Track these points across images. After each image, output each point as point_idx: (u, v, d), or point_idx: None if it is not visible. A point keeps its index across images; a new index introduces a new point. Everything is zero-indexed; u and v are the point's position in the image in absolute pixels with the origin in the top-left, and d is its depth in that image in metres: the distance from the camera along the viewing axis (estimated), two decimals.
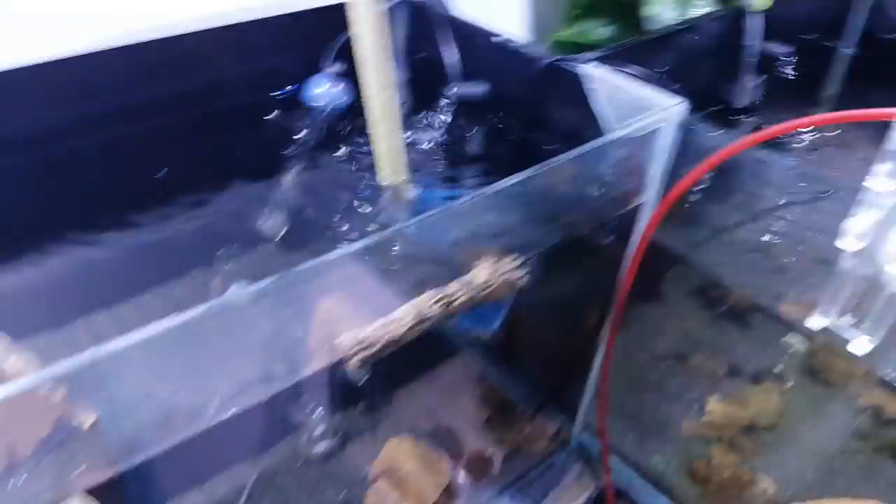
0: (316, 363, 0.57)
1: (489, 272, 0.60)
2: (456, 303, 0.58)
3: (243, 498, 0.74)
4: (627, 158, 0.65)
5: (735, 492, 0.81)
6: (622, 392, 0.93)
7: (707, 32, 0.87)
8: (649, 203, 0.69)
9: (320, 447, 0.80)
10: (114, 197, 0.77)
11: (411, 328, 0.56)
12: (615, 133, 0.61)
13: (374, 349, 0.55)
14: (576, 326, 0.83)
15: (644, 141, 0.64)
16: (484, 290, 0.60)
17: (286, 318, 0.50)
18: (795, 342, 0.84)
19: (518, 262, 0.61)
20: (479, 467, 0.83)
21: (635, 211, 0.70)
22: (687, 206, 0.72)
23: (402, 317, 0.57)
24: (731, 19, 0.91)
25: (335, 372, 0.82)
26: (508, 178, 0.55)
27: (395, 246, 0.56)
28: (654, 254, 0.97)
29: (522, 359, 0.89)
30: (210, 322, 0.42)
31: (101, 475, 0.56)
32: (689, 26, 0.84)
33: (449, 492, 0.81)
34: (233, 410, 0.52)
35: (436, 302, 0.58)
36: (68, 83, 0.70)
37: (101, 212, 0.77)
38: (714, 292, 0.96)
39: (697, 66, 0.88)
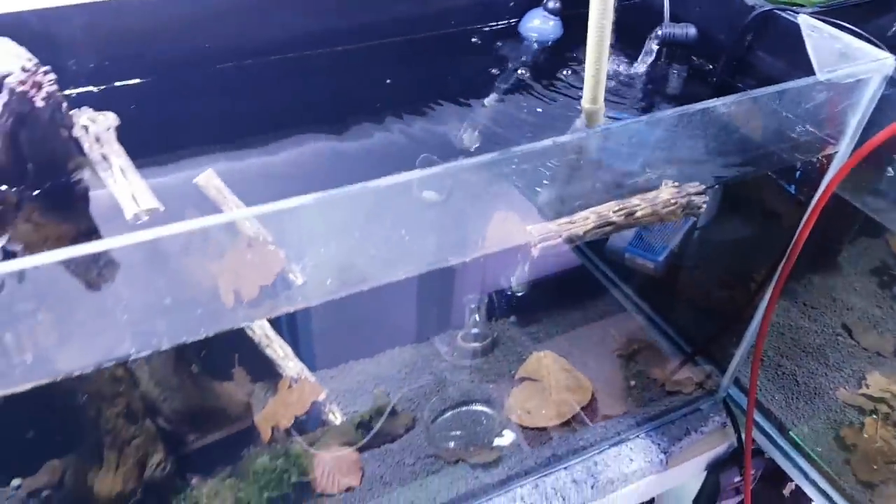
0: (495, 245, 0.63)
1: (673, 192, 0.64)
2: (637, 213, 0.63)
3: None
4: (829, 105, 0.66)
5: (881, 463, 0.80)
6: (779, 354, 0.94)
7: None
8: (842, 154, 0.69)
9: (475, 344, 0.89)
10: (340, 101, 0.87)
11: (592, 229, 0.62)
12: (819, 76, 0.62)
13: (557, 240, 0.62)
14: (741, 278, 0.85)
15: (848, 89, 0.65)
16: (665, 208, 0.64)
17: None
18: None
19: (701, 188, 0.65)
20: (619, 396, 0.88)
21: (824, 165, 0.71)
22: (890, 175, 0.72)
23: (586, 217, 0.62)
24: None
25: (500, 288, 0.91)
26: (703, 102, 0.59)
27: (580, 155, 0.61)
28: (839, 222, 0.96)
29: (680, 303, 0.92)
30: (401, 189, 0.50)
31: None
32: None
33: (588, 411, 0.86)
34: (408, 273, 0.59)
35: (617, 210, 0.63)
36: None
37: (326, 113, 0.88)
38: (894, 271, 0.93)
39: None
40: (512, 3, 0.90)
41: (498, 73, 0.88)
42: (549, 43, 0.89)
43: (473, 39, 0.91)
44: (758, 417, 0.91)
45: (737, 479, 0.91)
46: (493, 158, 0.54)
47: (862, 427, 0.85)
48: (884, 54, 0.64)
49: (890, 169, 0.74)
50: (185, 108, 0.82)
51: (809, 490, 0.86)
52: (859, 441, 0.83)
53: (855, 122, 0.67)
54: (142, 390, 0.62)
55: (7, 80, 0.52)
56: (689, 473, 0.93)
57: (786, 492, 1.48)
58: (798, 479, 0.87)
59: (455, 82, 0.91)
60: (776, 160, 0.68)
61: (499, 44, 0.90)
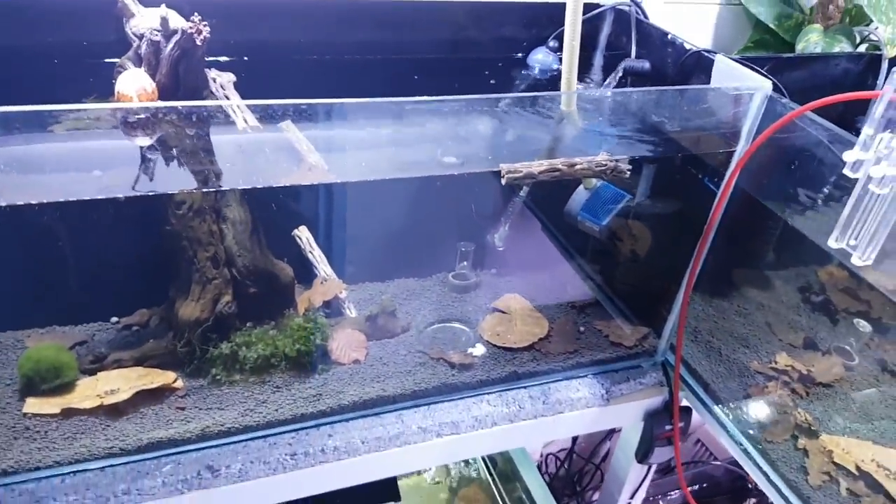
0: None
1: (605, 157, 0.92)
2: (577, 167, 0.91)
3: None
4: (722, 110, 0.93)
5: (779, 416, 1.01)
6: (711, 335, 1.16)
7: (829, 64, 1.12)
8: (738, 153, 0.96)
9: (462, 282, 1.16)
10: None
11: (544, 171, 0.90)
12: (711, 85, 0.91)
13: (519, 175, 0.89)
14: (669, 255, 1.10)
15: (735, 100, 0.92)
16: (598, 167, 0.92)
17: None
18: (862, 327, 1.04)
19: (626, 158, 0.92)
20: (571, 338, 1.12)
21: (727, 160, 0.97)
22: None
23: (541, 163, 0.90)
24: (865, 60, 1.14)
25: (485, 243, 1.18)
26: (633, 89, 0.87)
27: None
28: (762, 226, 1.20)
29: (619, 270, 1.17)
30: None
31: None
32: (815, 56, 1.10)
33: (544, 342, 1.10)
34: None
35: (564, 162, 0.91)
36: (370, 18, 1.15)
37: None
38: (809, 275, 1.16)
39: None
40: (524, 43, 1.22)
41: (510, 87, 1.19)
42: (549, 73, 1.20)
43: (494, 63, 1.23)
44: (687, 378, 1.13)
45: (667, 427, 1.12)
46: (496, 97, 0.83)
47: (766, 387, 1.06)
48: (764, 80, 0.92)
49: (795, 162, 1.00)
50: (273, 83, 1.13)
51: (722, 436, 1.07)
52: (761, 396, 1.05)
53: (746, 128, 0.94)
54: (226, 244, 0.91)
55: (181, 25, 0.85)
56: (628, 416, 1.14)
57: None
58: (711, 425, 1.08)
59: (478, 90, 1.21)
60: (683, 147, 0.96)
61: (511, 70, 1.22)
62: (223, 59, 1.10)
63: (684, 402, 1.15)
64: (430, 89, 1.21)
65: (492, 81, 1.19)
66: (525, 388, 1.07)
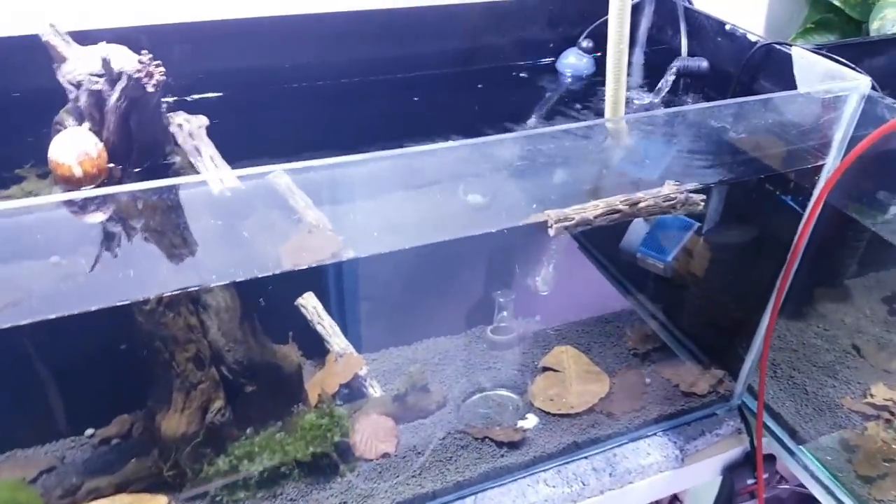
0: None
1: (673, 188, 0.74)
2: (640, 204, 0.73)
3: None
4: (812, 118, 0.75)
5: (880, 461, 0.84)
6: (792, 367, 1.00)
7: None
8: (829, 167, 0.78)
9: (502, 337, 0.98)
10: (397, 123, 0.99)
11: (601, 214, 0.72)
12: (800, 90, 0.72)
13: (571, 223, 0.71)
14: (746, 285, 0.93)
15: (828, 105, 0.74)
16: (666, 202, 0.74)
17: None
18: None
19: (699, 187, 0.74)
20: (636, 393, 0.95)
21: (815, 178, 0.80)
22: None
23: (596, 205, 0.72)
24: None
25: (527, 287, 1.00)
26: (704, 103, 0.69)
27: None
28: (848, 250, 1.03)
29: (688, 309, 1.00)
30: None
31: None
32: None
33: (606, 404, 0.93)
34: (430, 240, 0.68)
35: (624, 201, 0.73)
36: (367, 32, 0.95)
37: (383, 134, 0.99)
38: None
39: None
40: (551, 45, 1.03)
41: (541, 100, 1.00)
42: (583, 78, 1.01)
43: (517, 73, 1.04)
44: (770, 423, 0.96)
45: (750, 481, 0.96)
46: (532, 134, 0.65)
47: (864, 431, 0.90)
48: (860, 76, 0.74)
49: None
50: (257, 121, 0.95)
51: (816, 490, 0.90)
52: (862, 442, 0.88)
53: (839, 136, 0.76)
54: (210, 338, 0.72)
55: (126, 68, 0.66)
56: (705, 474, 0.98)
57: None
58: (805, 479, 0.91)
59: (501, 108, 1.02)
60: (766, 166, 0.78)
61: (538, 78, 1.03)
62: (193, 97, 0.91)
63: (767, 450, 0.98)
64: (444, 111, 1.03)
65: (513, 98, 1.00)
66: (587, 457, 0.90)
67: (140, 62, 0.67)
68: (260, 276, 0.60)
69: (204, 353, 0.72)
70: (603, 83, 1.04)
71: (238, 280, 0.60)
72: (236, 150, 0.91)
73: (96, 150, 0.71)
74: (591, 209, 0.72)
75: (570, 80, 1.02)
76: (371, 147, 0.96)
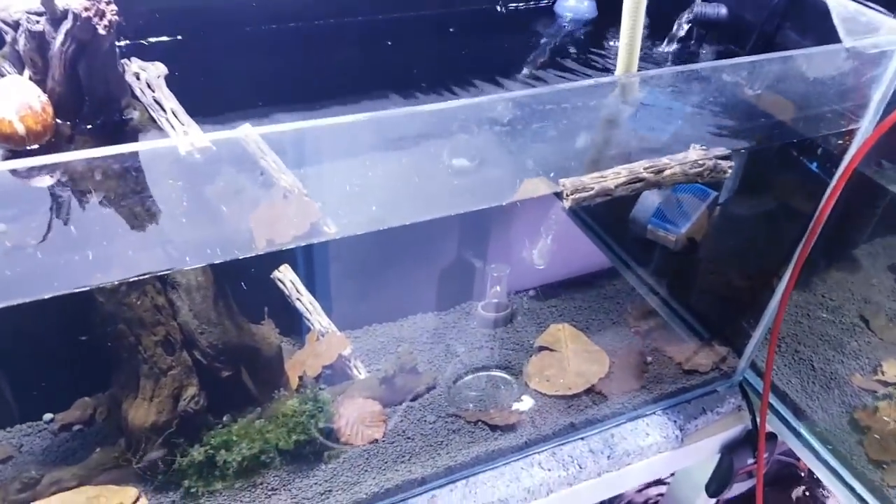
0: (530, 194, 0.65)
1: (701, 154, 0.66)
2: (665, 172, 0.66)
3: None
4: (852, 77, 0.68)
5: (894, 443, 0.81)
6: (797, 341, 0.95)
7: None
8: (864, 130, 0.71)
9: (496, 314, 0.91)
10: (373, 72, 0.90)
11: (623, 183, 0.64)
12: (845, 43, 0.65)
13: (590, 193, 0.64)
14: (760, 258, 0.87)
15: (872, 60, 0.67)
16: (692, 169, 0.66)
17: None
18: None
19: (727, 153, 0.67)
20: (636, 372, 0.89)
21: (846, 142, 0.73)
22: None
23: (617, 173, 0.65)
24: None
25: (520, 258, 0.93)
26: (727, 60, 0.61)
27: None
28: (858, 218, 0.98)
29: (697, 282, 0.94)
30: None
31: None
32: None
33: (605, 383, 0.88)
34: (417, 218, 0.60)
35: (648, 167, 0.65)
36: None
37: (358, 83, 0.90)
38: None
39: None
40: None
41: (533, 49, 0.91)
42: (584, 22, 0.92)
43: (509, 16, 0.94)
44: (773, 401, 0.92)
45: (750, 461, 0.92)
46: (536, 93, 0.56)
47: (876, 410, 0.86)
48: None
49: None
50: (221, 69, 0.84)
51: (821, 472, 0.86)
52: (873, 422, 0.84)
53: (878, 96, 0.69)
54: (180, 321, 0.64)
55: (72, 6, 0.55)
56: (704, 453, 0.93)
57: (794, 495, 1.48)
58: (810, 461, 0.88)
59: (490, 57, 0.93)
60: (797, 130, 0.71)
61: (533, 21, 0.93)
62: (151, 40, 0.80)
63: (768, 429, 0.94)
64: (425, 59, 0.93)
65: (504, 45, 0.91)
66: (583, 439, 0.85)
67: None
68: (241, 256, 0.52)
69: (174, 337, 0.64)
70: (606, 29, 0.96)
71: (215, 262, 0.52)
72: (197, 104, 0.82)
73: (40, 103, 0.61)
74: (612, 177, 0.65)
75: (569, 24, 0.93)
76: (341, 100, 0.87)
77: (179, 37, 0.80)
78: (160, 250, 0.52)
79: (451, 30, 0.93)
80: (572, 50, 0.89)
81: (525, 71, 0.88)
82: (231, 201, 0.61)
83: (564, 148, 0.67)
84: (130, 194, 0.51)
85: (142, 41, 0.79)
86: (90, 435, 0.72)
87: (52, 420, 0.73)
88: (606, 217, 0.93)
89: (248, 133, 0.80)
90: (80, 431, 0.72)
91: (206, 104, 0.83)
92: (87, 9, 0.56)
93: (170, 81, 0.72)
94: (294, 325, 0.80)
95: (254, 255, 0.55)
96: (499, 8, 0.95)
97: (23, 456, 0.72)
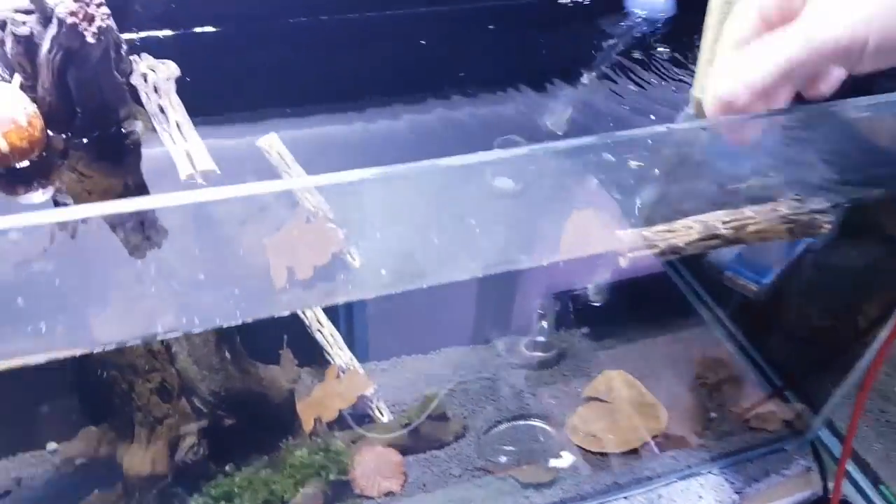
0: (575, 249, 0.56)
1: (794, 206, 0.55)
2: (749, 228, 0.55)
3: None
4: None
5: None
6: (882, 397, 0.83)
7: None
8: None
9: (539, 353, 0.82)
10: (418, 69, 0.80)
11: (696, 241, 0.54)
12: None
13: (655, 250, 0.54)
14: (852, 309, 0.75)
15: None
16: (783, 224, 0.55)
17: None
18: None
19: (826, 206, 0.56)
20: (695, 426, 0.79)
21: None
22: None
23: (689, 227, 0.54)
24: None
25: (572, 291, 0.83)
26: (832, 102, 0.49)
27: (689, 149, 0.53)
28: None
29: (777, 331, 0.82)
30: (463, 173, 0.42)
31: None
32: None
33: (660, 440, 0.78)
34: (471, 274, 0.52)
35: (727, 222, 0.54)
36: None
37: (402, 81, 0.81)
38: None
39: None
40: None
41: (598, 50, 0.80)
42: (659, 21, 0.79)
43: (572, 8, 0.82)
44: (849, 466, 0.81)
45: None
46: (584, 143, 0.46)
47: None
48: None
49: None
50: (255, 63, 0.76)
51: None
52: None
53: None
54: (179, 367, 0.57)
55: (57, 10, 0.47)
56: None
57: None
58: None
59: (550, 57, 0.82)
60: None
61: (599, 15, 0.81)
62: (164, 33, 0.72)
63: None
64: (480, 58, 0.83)
65: (563, 43, 0.79)
66: (626, 498, 0.76)
67: (76, 0, 0.48)
68: (228, 324, 0.44)
69: (171, 384, 0.57)
70: (685, 32, 0.83)
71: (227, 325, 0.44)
72: (221, 98, 0.73)
73: (26, 116, 0.53)
74: (682, 233, 0.54)
75: (641, 23, 0.81)
76: (375, 102, 0.78)
77: (210, 28, 0.72)
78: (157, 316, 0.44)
79: (506, 24, 0.82)
80: (638, 55, 0.77)
81: (584, 80, 0.77)
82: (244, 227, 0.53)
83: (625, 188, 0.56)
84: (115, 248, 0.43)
85: (158, 32, 0.71)
86: (93, 469, 0.67)
87: (55, 451, 0.68)
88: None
89: (273, 143, 0.72)
90: (83, 466, 0.67)
91: (237, 99, 0.76)
92: (73, 13, 0.48)
93: (194, 74, 0.64)
94: (316, 351, 0.73)
95: (279, 311, 0.48)
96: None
97: (21, 490, 0.67)
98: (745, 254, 0.70)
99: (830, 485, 0.80)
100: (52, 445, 0.69)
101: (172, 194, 0.37)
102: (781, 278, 0.65)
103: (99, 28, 0.49)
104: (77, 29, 0.48)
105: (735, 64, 0.37)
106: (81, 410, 0.67)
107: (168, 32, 0.76)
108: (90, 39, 0.49)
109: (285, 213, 0.50)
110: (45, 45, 0.50)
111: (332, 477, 0.65)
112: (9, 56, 0.54)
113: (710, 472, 0.79)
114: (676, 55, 0.76)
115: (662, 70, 0.76)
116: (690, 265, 0.83)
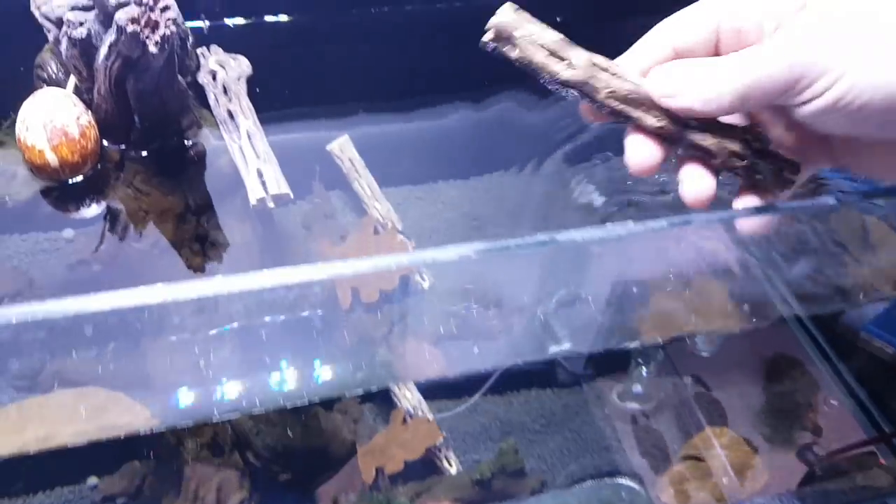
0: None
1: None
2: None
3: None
4: None
5: None
6: None
7: None
8: None
9: (635, 405, 0.73)
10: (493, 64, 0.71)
11: None
12: None
13: None
14: None
15: None
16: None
17: None
18: None
19: None
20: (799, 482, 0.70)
21: None
22: None
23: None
24: None
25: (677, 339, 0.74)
26: None
27: None
28: None
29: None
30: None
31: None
32: None
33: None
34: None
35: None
36: None
37: (475, 77, 0.71)
38: None
39: None
40: None
41: None
42: None
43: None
44: None
45: None
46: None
47: None
48: None
49: None
50: (329, 56, 0.69)
51: None
52: None
53: None
54: (233, 421, 0.51)
55: (117, 16, 0.40)
56: None
57: None
58: None
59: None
60: None
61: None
62: (236, 21, 0.65)
63: None
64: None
65: None
66: None
67: (139, 3, 0.41)
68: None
69: (223, 438, 0.51)
70: None
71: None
72: (293, 93, 0.68)
73: (79, 127, 0.47)
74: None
75: None
76: (446, 101, 0.70)
77: (284, 17, 0.65)
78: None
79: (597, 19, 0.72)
80: None
81: None
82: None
83: None
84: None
85: (230, 20, 0.64)
86: None
87: (95, 486, 0.63)
88: (804, 295, 0.70)
89: (344, 147, 0.64)
90: None
91: (309, 94, 0.68)
92: (134, 20, 0.41)
93: (263, 66, 0.59)
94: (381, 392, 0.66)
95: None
96: None
97: None
98: (886, 314, 0.60)
99: None
100: (92, 480, 0.64)
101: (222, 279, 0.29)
102: None
103: (163, 37, 0.42)
104: (138, 38, 0.41)
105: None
106: (124, 442, 0.62)
107: (240, 21, 0.69)
108: (152, 49, 0.42)
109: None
110: (103, 51, 0.44)
111: None
112: (64, 57, 0.48)
113: None
114: None
115: None
116: (821, 322, 0.72)
